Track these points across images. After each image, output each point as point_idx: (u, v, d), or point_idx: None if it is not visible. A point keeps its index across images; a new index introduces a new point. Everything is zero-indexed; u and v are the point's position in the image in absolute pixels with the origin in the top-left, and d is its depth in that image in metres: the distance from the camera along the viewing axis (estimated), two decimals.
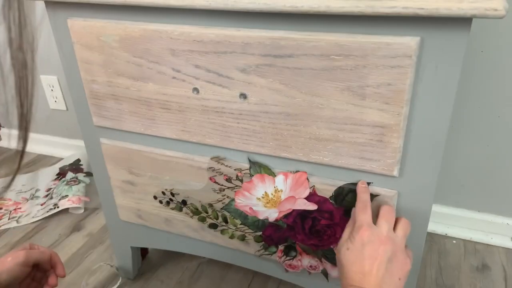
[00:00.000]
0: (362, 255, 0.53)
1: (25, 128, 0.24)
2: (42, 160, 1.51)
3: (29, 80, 0.22)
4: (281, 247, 0.74)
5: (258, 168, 0.66)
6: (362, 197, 0.58)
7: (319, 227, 0.67)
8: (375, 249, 0.53)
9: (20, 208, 1.25)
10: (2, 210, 1.24)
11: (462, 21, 0.46)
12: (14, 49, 0.21)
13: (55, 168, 1.42)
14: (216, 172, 0.70)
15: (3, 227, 1.17)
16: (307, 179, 0.63)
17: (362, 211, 0.56)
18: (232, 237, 0.77)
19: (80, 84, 0.72)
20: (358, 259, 0.53)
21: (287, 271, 0.76)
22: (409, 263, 0.55)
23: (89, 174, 1.35)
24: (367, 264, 0.52)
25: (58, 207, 1.21)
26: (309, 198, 0.65)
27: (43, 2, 0.66)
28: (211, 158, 0.69)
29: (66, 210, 1.22)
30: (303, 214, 0.67)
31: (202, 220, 0.77)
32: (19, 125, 0.24)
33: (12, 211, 1.23)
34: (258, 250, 0.76)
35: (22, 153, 0.25)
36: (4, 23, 0.21)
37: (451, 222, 1.07)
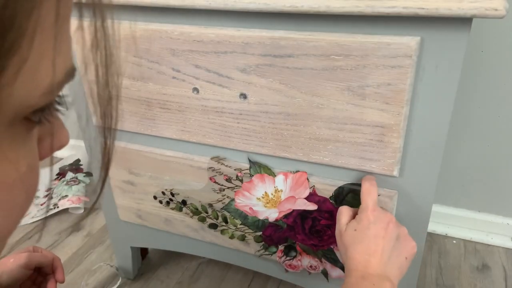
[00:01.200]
0: (368, 233, 0.53)
1: (107, 164, 0.25)
2: (42, 160, 1.51)
3: (113, 115, 0.24)
4: (281, 247, 0.74)
5: (258, 168, 0.66)
6: (367, 182, 0.58)
7: (319, 227, 0.67)
8: (383, 227, 0.53)
9: None
10: None
11: (462, 21, 0.46)
12: (100, 87, 0.23)
13: (55, 168, 1.42)
14: (216, 172, 0.70)
15: None
16: (307, 179, 0.63)
17: (367, 194, 0.56)
18: (232, 237, 0.77)
19: (80, 83, 0.72)
20: (365, 238, 0.53)
21: (287, 271, 0.76)
22: (415, 246, 0.55)
23: (89, 174, 1.35)
24: (373, 244, 0.52)
25: (58, 207, 1.21)
26: (309, 198, 0.65)
27: None
28: (211, 158, 0.69)
29: (66, 210, 1.22)
30: (303, 214, 0.67)
31: (202, 220, 0.77)
32: (102, 161, 0.25)
33: None
34: (258, 250, 0.76)
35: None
36: (93, 63, 0.22)
37: (451, 222, 1.07)
